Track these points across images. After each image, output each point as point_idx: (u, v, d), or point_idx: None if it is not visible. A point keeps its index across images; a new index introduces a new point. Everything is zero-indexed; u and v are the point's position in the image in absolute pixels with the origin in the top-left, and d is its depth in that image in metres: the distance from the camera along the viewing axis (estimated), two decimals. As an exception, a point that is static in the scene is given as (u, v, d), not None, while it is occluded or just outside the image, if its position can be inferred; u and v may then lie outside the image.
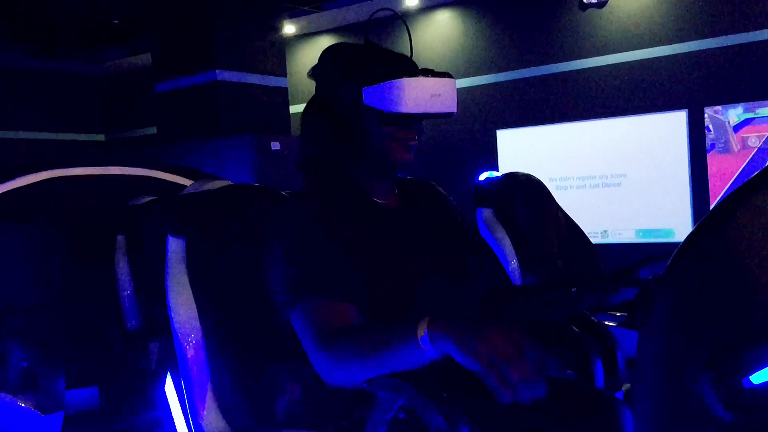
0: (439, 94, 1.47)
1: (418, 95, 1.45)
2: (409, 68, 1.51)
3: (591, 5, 6.52)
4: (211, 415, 1.64)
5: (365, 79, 1.47)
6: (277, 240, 1.47)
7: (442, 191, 1.76)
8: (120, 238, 3.01)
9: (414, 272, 1.50)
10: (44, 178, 3.13)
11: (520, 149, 6.95)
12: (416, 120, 1.51)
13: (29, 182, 3.09)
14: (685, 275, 0.99)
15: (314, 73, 1.60)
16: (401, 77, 1.44)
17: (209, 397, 1.65)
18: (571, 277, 3.02)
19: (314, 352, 1.36)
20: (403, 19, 1.72)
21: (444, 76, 1.50)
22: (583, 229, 3.19)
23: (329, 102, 1.54)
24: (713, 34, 6.09)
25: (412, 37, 1.68)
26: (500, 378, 1.08)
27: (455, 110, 1.52)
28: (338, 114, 1.52)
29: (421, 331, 1.19)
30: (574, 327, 1.64)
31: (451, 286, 1.54)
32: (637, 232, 6.46)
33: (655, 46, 6.33)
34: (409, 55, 1.57)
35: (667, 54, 6.28)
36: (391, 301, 1.45)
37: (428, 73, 1.48)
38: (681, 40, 6.22)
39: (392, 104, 1.44)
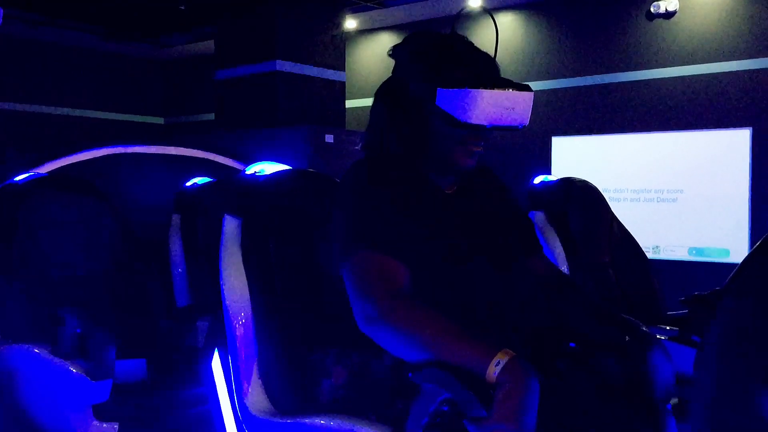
0: (513, 108, 1.46)
1: (491, 107, 1.43)
2: (489, 75, 1.49)
3: (659, 16, 6.38)
4: (255, 393, 1.66)
5: (442, 80, 1.45)
6: (346, 193, 1.48)
7: (499, 179, 1.75)
8: (175, 216, 3.07)
9: (461, 255, 1.50)
10: (106, 153, 3.22)
11: (574, 157, 6.85)
12: (485, 129, 1.50)
13: (91, 156, 3.18)
14: (747, 289, 0.97)
15: (395, 55, 1.58)
16: (478, 87, 1.42)
17: (255, 375, 1.67)
18: (622, 289, 2.96)
19: (371, 306, 1.34)
20: (491, 14, 1.70)
21: (523, 89, 1.47)
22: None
23: (403, 92, 1.53)
24: (784, 52, 5.92)
25: (498, 36, 1.64)
26: None
27: (527, 123, 1.50)
28: (409, 106, 1.52)
29: (493, 368, 1.21)
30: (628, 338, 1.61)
31: (496, 273, 1.54)
32: (691, 250, 6.31)
33: (723, 60, 6.17)
34: (493, 53, 1.54)
35: (733, 69, 6.12)
36: (435, 283, 1.45)
37: (507, 85, 1.46)
38: (749, 56, 6.05)
39: (463, 113, 1.42)
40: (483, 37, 1.63)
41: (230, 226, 1.75)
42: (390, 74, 1.60)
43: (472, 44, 1.56)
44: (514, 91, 1.46)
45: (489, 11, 1.67)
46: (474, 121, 1.43)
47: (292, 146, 6.14)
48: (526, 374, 1.20)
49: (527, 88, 1.49)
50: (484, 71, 1.50)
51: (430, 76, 1.48)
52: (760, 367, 0.91)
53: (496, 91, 1.43)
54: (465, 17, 6.47)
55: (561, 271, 1.73)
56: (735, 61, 6.10)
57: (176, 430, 2.30)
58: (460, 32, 1.59)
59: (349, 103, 7.45)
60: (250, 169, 2.30)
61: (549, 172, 6.70)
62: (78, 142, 3.30)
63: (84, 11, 7.77)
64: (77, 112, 9.35)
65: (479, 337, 1.28)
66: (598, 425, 1.40)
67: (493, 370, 1.21)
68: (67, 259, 2.59)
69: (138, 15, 7.88)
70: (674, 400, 1.83)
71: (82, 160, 3.17)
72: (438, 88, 1.45)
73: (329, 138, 6.24)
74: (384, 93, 1.58)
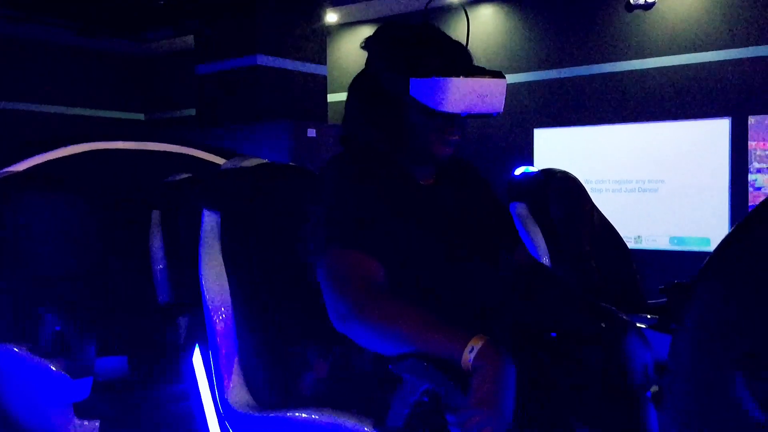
0: (487, 95, 1.45)
1: (465, 95, 1.42)
2: (462, 64, 1.49)
3: (638, 6, 6.41)
4: (236, 388, 1.65)
5: (415, 69, 1.45)
6: (322, 190, 1.48)
7: (478, 171, 1.75)
8: (155, 213, 3.05)
9: (442, 249, 1.50)
10: (85, 150, 3.19)
11: (556, 149, 6.88)
12: (460, 118, 1.50)
13: (70, 153, 3.14)
14: (721, 274, 0.97)
15: (367, 47, 1.58)
16: (451, 75, 1.41)
17: (236, 370, 1.66)
18: (603, 279, 2.98)
19: (343, 303, 1.34)
20: (464, 7, 1.71)
21: (496, 76, 1.47)
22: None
23: (377, 83, 1.53)
24: (761, 42, 5.96)
25: (470, 27, 1.65)
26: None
27: (501, 110, 1.50)
28: (383, 97, 1.51)
29: (467, 354, 1.22)
30: (603, 324, 1.62)
31: (478, 265, 1.54)
32: (672, 239, 6.36)
33: (702, 51, 6.21)
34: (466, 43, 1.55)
35: (712, 60, 6.16)
36: (414, 275, 1.45)
37: (480, 72, 1.45)
38: (727, 47, 6.10)
39: (437, 101, 1.42)
40: (460, 29, 1.63)
41: (209, 221, 1.74)
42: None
43: (444, 33, 1.55)
44: (488, 78, 1.46)
45: (462, 4, 1.68)
46: (448, 109, 1.42)
47: (274, 141, 6.12)
48: (501, 357, 1.21)
49: (501, 75, 1.48)
50: (457, 59, 1.50)
51: (402, 66, 1.47)
52: (734, 352, 0.92)
53: (469, 79, 1.43)
54: (441, 10, 6.47)
55: (539, 262, 1.74)
56: (713, 52, 6.15)
57: (158, 426, 2.29)
58: (436, 25, 1.59)
59: (331, 97, 7.43)
60: (229, 164, 2.28)
61: (531, 164, 6.73)
62: (57, 139, 3.26)
63: (62, 7, 7.68)
64: (57, 109, 9.26)
65: (453, 326, 1.28)
66: (578, 414, 1.41)
67: (468, 357, 1.22)
68: (46, 257, 2.57)
69: (117, 10, 7.80)
70: (654, 388, 1.84)
71: (62, 156, 3.14)
72: (411, 78, 1.44)
73: (311, 132, 6.22)
74: (357, 86, 1.58)
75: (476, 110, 1.46)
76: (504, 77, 1.50)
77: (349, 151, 1.57)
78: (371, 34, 1.59)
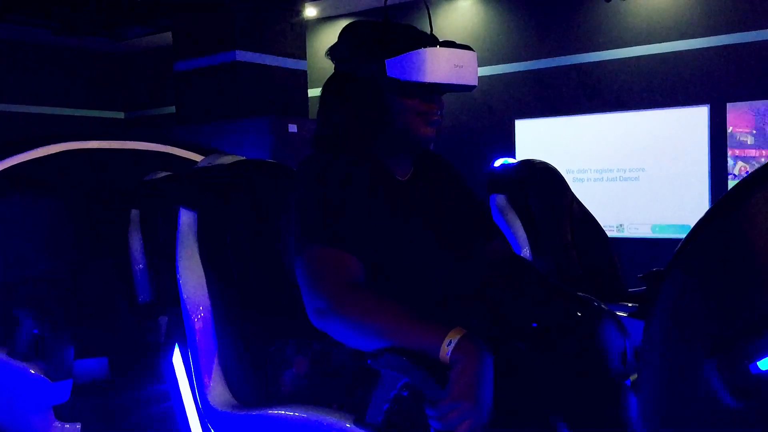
0: (462, 66, 1.48)
1: (442, 65, 1.45)
2: (431, 40, 1.51)
3: (615, -4, 6.43)
4: (217, 387, 1.64)
5: (388, 51, 1.47)
6: (299, 188, 1.48)
7: (452, 165, 1.75)
8: (134, 212, 3.02)
9: (418, 244, 1.50)
10: (61, 150, 3.15)
11: (538, 139, 6.89)
12: (438, 91, 1.52)
13: (46, 153, 3.11)
14: (691, 261, 0.98)
15: (333, 51, 1.59)
16: (424, 47, 1.44)
17: (215, 369, 1.65)
18: (583, 269, 3.00)
19: (321, 299, 1.34)
20: (425, 2, 1.72)
21: (466, 49, 1.50)
22: (599, 223, 3.16)
23: (350, 79, 1.53)
24: (738, 29, 6.00)
25: (431, 19, 1.66)
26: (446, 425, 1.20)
27: (476, 83, 1.53)
28: (360, 91, 1.52)
29: (445, 348, 1.23)
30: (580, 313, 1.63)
31: (456, 259, 1.55)
32: (654, 227, 6.41)
33: (679, 39, 6.24)
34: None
35: (690, 48, 6.20)
36: (393, 271, 1.46)
37: (450, 44, 1.48)
38: (705, 35, 6.13)
39: (416, 73, 1.44)
40: (435, 24, 1.64)
41: (185, 219, 1.73)
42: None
43: (405, 24, 1.58)
44: (459, 49, 1.49)
45: (425, 1, 1.70)
46: (427, 79, 1.44)
47: (255, 137, 6.09)
48: (479, 350, 1.21)
49: (471, 48, 1.51)
50: (427, 38, 1.52)
51: (376, 51, 1.49)
52: (705, 339, 0.92)
53: (443, 49, 1.46)
54: (409, 6, 6.47)
55: (516, 254, 1.74)
56: (691, 40, 6.18)
57: (140, 428, 2.28)
58: (414, 22, 1.61)
59: (312, 92, 7.40)
60: (205, 161, 2.28)
61: (513, 155, 6.75)
62: (33, 139, 3.22)
63: (38, 7, 7.59)
64: (36, 109, 9.15)
65: (431, 319, 1.28)
66: (557, 404, 1.42)
67: (446, 350, 1.22)
68: (22, 259, 2.55)
69: (93, 9, 7.72)
70: (634, 376, 1.85)
71: (38, 157, 3.11)
72: (386, 60, 1.46)
73: (293, 128, 6.20)
74: (331, 85, 1.59)
75: (454, 81, 1.48)
76: (474, 51, 1.52)
77: (324, 150, 1.56)
78: (336, 39, 1.60)
